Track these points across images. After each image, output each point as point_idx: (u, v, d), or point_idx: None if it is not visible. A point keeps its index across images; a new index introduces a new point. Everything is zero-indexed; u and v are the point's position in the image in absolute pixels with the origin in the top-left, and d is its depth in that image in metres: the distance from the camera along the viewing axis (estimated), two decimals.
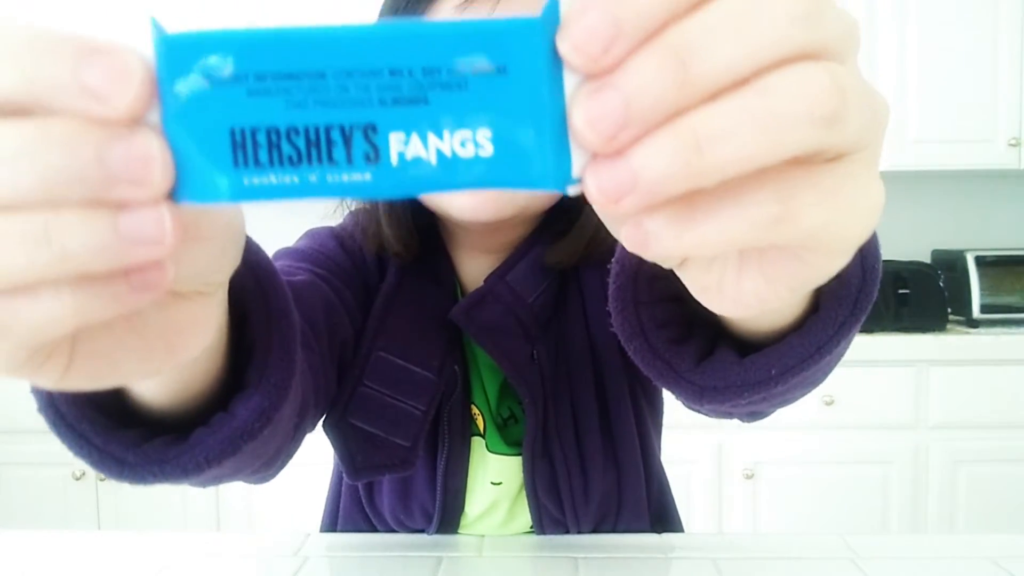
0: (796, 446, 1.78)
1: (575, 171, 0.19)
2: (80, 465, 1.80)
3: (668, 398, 0.68)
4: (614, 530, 0.62)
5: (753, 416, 0.44)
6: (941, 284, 1.87)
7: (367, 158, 0.18)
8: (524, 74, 0.18)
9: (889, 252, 2.22)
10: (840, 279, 0.34)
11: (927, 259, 2.11)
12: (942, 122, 1.94)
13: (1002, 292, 1.92)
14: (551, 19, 0.18)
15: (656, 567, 0.54)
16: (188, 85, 0.18)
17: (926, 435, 1.78)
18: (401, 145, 0.18)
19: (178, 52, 0.18)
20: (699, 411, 0.41)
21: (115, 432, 0.34)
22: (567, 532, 0.61)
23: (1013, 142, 1.92)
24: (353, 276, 0.59)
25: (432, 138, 0.18)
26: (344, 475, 0.57)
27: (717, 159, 0.17)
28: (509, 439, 0.62)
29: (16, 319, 0.18)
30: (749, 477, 1.79)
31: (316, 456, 0.77)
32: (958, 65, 1.92)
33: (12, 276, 0.18)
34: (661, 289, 0.37)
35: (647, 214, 0.19)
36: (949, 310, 1.90)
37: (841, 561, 0.54)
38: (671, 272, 0.27)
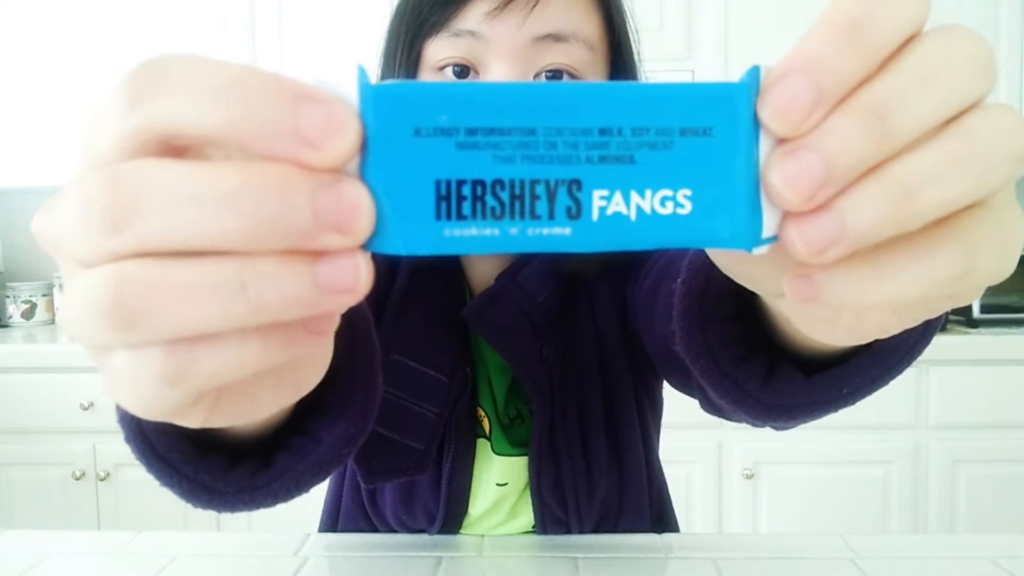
0: (796, 446, 1.78)
1: (765, 232, 0.19)
2: (80, 465, 1.80)
3: (667, 399, 0.68)
4: (614, 530, 0.62)
5: (788, 427, 0.44)
6: None
7: (569, 213, 0.18)
8: (728, 137, 0.18)
9: None
10: None
11: None
12: None
13: (1002, 292, 1.92)
14: (753, 82, 0.18)
15: (656, 567, 0.54)
16: (397, 136, 0.17)
17: (926, 435, 1.78)
18: (603, 201, 0.18)
19: (389, 103, 0.17)
20: (751, 424, 0.41)
21: (203, 460, 0.34)
22: (568, 531, 0.61)
23: None
24: None
25: (634, 196, 0.18)
26: (359, 479, 0.57)
27: (927, 204, 0.18)
28: (514, 439, 0.62)
29: (195, 368, 0.18)
30: (749, 477, 1.79)
31: None
32: None
33: (200, 326, 0.17)
34: (725, 308, 0.37)
35: (824, 271, 0.19)
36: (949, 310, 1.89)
37: (841, 561, 0.54)
38: (737, 291, 0.26)
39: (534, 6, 0.51)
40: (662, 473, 0.69)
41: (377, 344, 0.38)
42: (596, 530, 0.61)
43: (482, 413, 0.62)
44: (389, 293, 0.60)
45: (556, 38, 0.51)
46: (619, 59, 0.57)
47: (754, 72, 0.18)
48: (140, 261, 0.17)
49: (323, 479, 0.36)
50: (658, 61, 1.87)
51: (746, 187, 0.19)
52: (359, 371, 0.37)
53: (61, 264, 0.19)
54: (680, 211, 0.18)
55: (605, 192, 0.18)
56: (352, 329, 0.37)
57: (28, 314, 2.14)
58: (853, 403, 0.36)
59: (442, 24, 0.52)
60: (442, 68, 0.53)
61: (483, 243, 0.18)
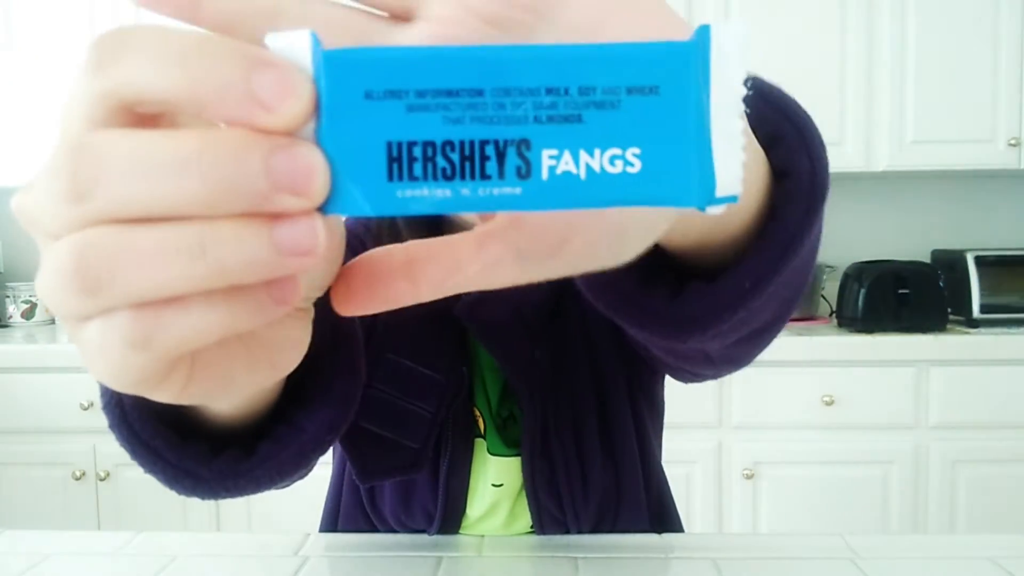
0: (796, 446, 1.78)
1: (719, 191, 0.19)
2: (80, 465, 1.80)
3: (668, 399, 0.68)
4: (613, 529, 0.62)
5: (738, 359, 0.42)
6: (941, 284, 1.87)
7: (519, 173, 0.18)
8: (675, 96, 0.19)
9: (889, 252, 2.20)
10: (790, 176, 0.33)
11: (927, 259, 2.11)
12: (942, 122, 1.94)
13: (1002, 292, 1.92)
14: (703, 42, 0.19)
15: (656, 567, 0.54)
16: (348, 100, 0.18)
17: (926, 435, 1.78)
18: (552, 161, 0.19)
19: (339, 67, 0.18)
20: (684, 357, 0.40)
21: (186, 447, 0.34)
22: (567, 531, 0.61)
23: (1013, 142, 1.92)
24: None
25: (583, 155, 0.19)
26: (355, 478, 0.57)
27: None
28: (509, 440, 0.62)
29: (162, 331, 0.18)
30: (749, 477, 1.79)
31: None
32: (958, 65, 1.92)
33: (163, 289, 0.17)
34: None
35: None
36: (949, 310, 1.90)
37: (841, 561, 0.54)
38: None
39: None
40: (662, 471, 0.69)
41: (359, 333, 0.38)
42: (595, 529, 0.61)
43: (477, 413, 0.62)
44: None
45: None
46: None
47: (704, 31, 0.19)
48: (102, 228, 0.17)
49: (305, 467, 0.37)
50: None
51: (697, 146, 0.19)
52: (341, 359, 0.37)
53: (37, 239, 0.19)
54: (630, 170, 0.19)
55: (554, 152, 0.18)
56: (333, 317, 0.37)
57: (28, 314, 2.14)
58: (761, 297, 0.34)
59: None
60: None
61: (436, 203, 0.18)
